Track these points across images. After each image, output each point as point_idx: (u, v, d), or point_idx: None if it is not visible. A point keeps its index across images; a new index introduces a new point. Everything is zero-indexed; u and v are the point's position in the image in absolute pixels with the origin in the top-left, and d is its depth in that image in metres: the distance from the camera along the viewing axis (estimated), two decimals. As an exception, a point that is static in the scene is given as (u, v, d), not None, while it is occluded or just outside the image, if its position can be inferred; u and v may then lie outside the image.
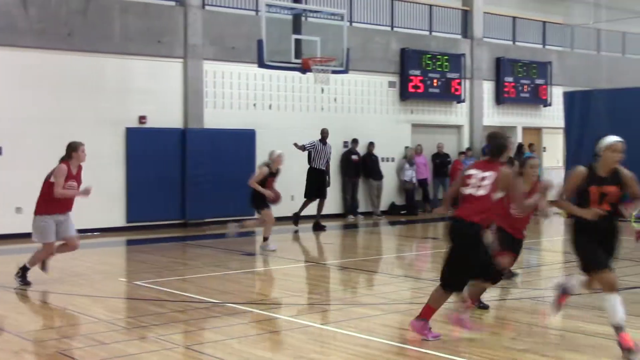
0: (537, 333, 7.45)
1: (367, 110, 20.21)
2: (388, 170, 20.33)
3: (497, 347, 6.93)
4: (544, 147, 24.24)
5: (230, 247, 14.10)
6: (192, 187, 17.10)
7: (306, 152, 17.05)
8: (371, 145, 19.71)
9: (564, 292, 7.33)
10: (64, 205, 9.77)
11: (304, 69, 15.48)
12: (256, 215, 13.82)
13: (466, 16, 22.93)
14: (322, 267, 11.87)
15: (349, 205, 19.38)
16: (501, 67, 23.17)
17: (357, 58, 18.23)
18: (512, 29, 24.40)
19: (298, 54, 15.34)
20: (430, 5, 22.12)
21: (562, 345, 6.97)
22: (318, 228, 16.67)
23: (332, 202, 19.11)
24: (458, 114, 22.37)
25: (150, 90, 16.73)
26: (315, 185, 17.00)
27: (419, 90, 21.00)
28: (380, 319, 8.22)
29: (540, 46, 25.08)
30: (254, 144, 18.06)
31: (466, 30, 22.91)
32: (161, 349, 6.78)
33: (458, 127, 22.58)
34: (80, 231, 15.26)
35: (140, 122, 16.59)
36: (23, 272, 9.76)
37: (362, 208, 19.70)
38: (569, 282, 7.38)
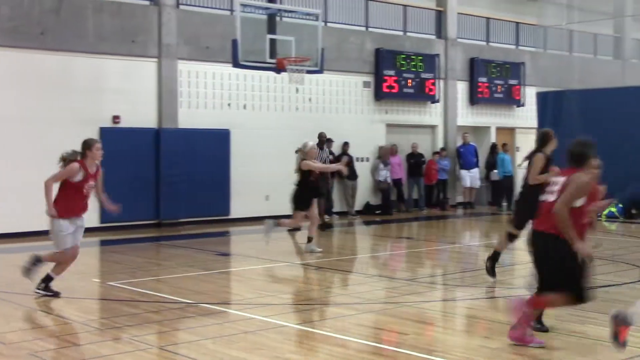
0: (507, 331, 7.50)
1: (341, 110, 20.24)
2: (363, 170, 20.37)
3: (471, 346, 6.97)
4: (517, 147, 24.41)
5: (205, 247, 14.07)
6: (166, 187, 17.03)
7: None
8: (346, 145, 19.73)
9: (623, 323, 6.37)
10: (81, 207, 9.12)
11: (279, 68, 15.48)
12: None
13: (440, 17, 23.04)
14: (297, 267, 11.87)
15: (324, 205, 19.37)
16: (475, 67, 23.31)
17: (331, 58, 18.26)
18: (486, 30, 24.56)
19: (273, 54, 15.33)
20: (405, 6, 22.20)
21: (535, 343, 7.01)
22: (325, 227, 16.68)
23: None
24: (432, 114, 22.47)
25: (124, 90, 16.63)
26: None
27: (393, 91, 21.07)
28: (355, 318, 8.23)
29: (514, 47, 25.27)
30: (228, 144, 18.03)
31: (440, 30, 23.02)
32: (135, 350, 6.74)
33: (432, 127, 22.68)
34: (53, 232, 15.24)
35: (114, 122, 16.49)
36: (46, 282, 9.11)
37: (337, 208, 19.71)
38: (629, 312, 6.44)
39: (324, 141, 17.97)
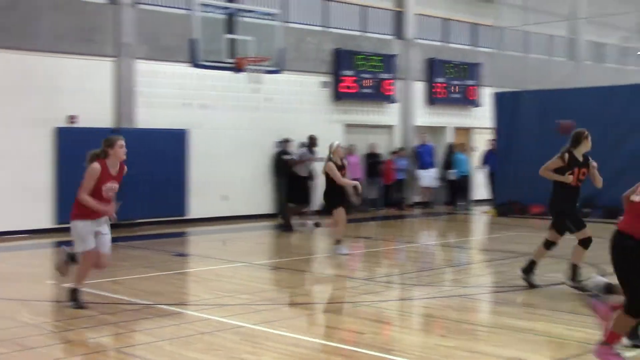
0: (466, 330, 7.59)
1: (300, 110, 20.24)
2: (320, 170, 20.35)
3: (427, 344, 7.04)
4: (474, 147, 24.62)
5: (162, 247, 13.98)
6: (123, 187, 16.67)
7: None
8: (304, 145, 19.70)
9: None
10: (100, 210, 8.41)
11: (238, 68, 15.46)
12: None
13: (398, 17, 23.18)
14: (254, 268, 11.86)
15: (281, 205, 19.34)
16: (433, 68, 23.50)
17: (290, 58, 18.24)
18: (444, 31, 24.77)
19: (232, 54, 15.30)
20: (363, 6, 22.30)
21: (491, 341, 7.11)
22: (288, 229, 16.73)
23: (265, 202, 19.12)
24: (390, 114, 22.59)
25: (81, 90, 16.44)
26: (302, 191, 17.13)
27: (351, 91, 21.15)
28: (312, 318, 8.27)
29: (471, 47, 25.52)
30: (187, 144, 17.94)
31: (398, 31, 23.16)
32: (90, 352, 6.69)
33: (390, 127, 22.80)
34: (5, 233, 15.05)
35: (71, 122, 16.29)
36: (73, 295, 8.47)
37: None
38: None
39: (314, 144, 18.00)
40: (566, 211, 9.44)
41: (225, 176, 18.53)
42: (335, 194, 12.82)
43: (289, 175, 17.44)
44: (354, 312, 8.42)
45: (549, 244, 9.60)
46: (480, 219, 20.31)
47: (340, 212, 12.81)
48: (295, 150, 18.26)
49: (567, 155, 9.29)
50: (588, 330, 7.24)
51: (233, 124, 18.76)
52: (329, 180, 12.78)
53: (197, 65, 15.12)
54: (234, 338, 7.13)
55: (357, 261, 13.27)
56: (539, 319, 7.88)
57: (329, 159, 12.80)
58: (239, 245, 14.82)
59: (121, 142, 8.50)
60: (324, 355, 6.70)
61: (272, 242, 15.93)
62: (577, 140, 9.33)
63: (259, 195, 19.16)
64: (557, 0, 27.30)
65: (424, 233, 18.21)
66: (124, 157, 8.54)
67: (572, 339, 7.06)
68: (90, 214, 8.39)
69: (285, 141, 19.25)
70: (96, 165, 8.34)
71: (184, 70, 17.31)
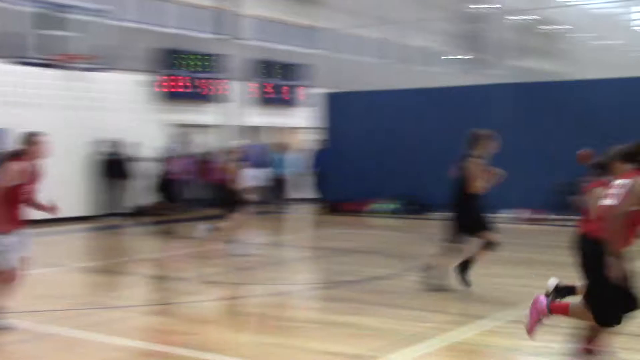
0: (291, 327, 7.69)
1: (126, 110, 19.72)
2: (146, 170, 19.91)
3: (252, 342, 7.06)
4: (300, 147, 24.90)
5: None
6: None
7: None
8: (129, 145, 19.26)
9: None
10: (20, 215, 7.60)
11: (61, 66, 14.94)
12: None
13: (229, 17, 23.17)
14: (75, 271, 11.49)
15: (106, 206, 18.86)
16: (262, 68, 23.68)
17: (116, 56, 17.78)
18: (274, 32, 25.01)
19: (55, 50, 14.77)
20: (193, 6, 22.14)
21: (315, 337, 7.21)
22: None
23: (88, 203, 18.56)
24: (218, 113, 22.54)
25: None
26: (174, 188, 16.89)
27: (179, 90, 20.94)
28: (134, 321, 8.09)
29: (301, 49, 25.89)
30: (5, 144, 17.05)
31: (229, 31, 23.15)
32: None
33: (218, 127, 22.72)
34: None
35: None
36: None
37: (117, 209, 19.13)
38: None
39: (188, 140, 17.80)
40: (467, 218, 8.84)
41: (47, 177, 17.76)
42: (235, 195, 12.76)
43: (161, 173, 17.16)
44: (177, 313, 8.34)
45: (487, 245, 8.88)
46: (307, 217, 20.65)
47: (234, 216, 12.85)
48: (122, 149, 17.93)
49: (477, 161, 8.67)
50: (412, 322, 7.56)
51: (56, 123, 18.00)
52: (227, 181, 12.69)
53: (17, 62, 14.48)
54: (48, 346, 6.86)
55: (179, 262, 13.09)
56: (364, 314, 8.09)
57: (230, 161, 12.70)
58: (60, 249, 14.29)
59: (42, 138, 7.69)
60: (142, 358, 6.58)
61: (93, 245, 15.47)
62: (475, 142, 8.76)
63: (82, 197, 18.56)
64: (386, 6, 28.32)
65: (250, 231, 18.23)
66: (46, 155, 7.76)
67: (395, 332, 7.27)
68: (9, 225, 7.49)
69: (110, 141, 18.83)
70: (16, 164, 7.47)
71: (1, 66, 16.45)
